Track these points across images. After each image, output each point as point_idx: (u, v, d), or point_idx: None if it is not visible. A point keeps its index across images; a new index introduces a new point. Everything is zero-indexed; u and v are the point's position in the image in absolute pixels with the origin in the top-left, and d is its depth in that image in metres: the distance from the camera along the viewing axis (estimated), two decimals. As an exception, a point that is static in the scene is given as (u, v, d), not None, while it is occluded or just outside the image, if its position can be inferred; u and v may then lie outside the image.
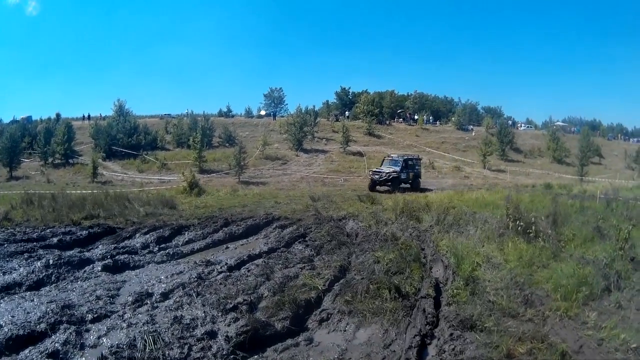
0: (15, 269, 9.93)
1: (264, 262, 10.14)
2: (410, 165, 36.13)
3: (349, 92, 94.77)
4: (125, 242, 13.02)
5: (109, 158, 54.79)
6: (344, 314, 6.91)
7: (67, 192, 25.91)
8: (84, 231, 14.43)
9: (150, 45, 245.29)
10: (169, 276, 9.03)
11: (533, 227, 11.13)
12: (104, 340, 5.83)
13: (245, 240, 13.68)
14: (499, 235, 11.47)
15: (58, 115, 76.00)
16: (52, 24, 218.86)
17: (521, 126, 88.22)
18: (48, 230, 14.75)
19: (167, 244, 12.70)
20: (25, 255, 11.33)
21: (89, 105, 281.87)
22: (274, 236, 13.79)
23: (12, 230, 15.03)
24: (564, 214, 14.59)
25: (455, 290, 7.74)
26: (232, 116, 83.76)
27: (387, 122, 78.31)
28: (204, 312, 6.80)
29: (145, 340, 5.64)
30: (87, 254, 11.47)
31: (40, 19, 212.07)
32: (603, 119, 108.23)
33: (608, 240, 10.81)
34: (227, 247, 12.60)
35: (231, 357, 5.51)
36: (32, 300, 7.82)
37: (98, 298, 7.54)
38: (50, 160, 54.32)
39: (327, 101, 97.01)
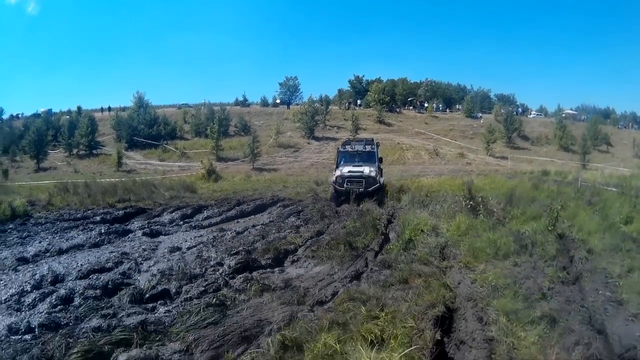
0: (75, 237, 13.28)
1: (262, 228, 13.82)
2: (379, 159, 22.70)
3: (362, 80, 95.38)
4: (156, 219, 16.26)
5: (131, 148, 57.60)
6: (309, 258, 10.22)
7: (97, 180, 29.13)
8: (120, 211, 17.84)
9: (167, 34, 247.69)
10: (192, 238, 12.51)
11: (481, 206, 13.52)
12: (152, 268, 9.36)
13: (253, 216, 17.23)
14: (454, 212, 13.87)
15: (79, 108, 78.92)
16: (69, 16, 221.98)
17: (531, 114, 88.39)
18: (89, 211, 18.06)
19: (190, 220, 16.02)
20: (80, 227, 14.81)
21: (108, 96, 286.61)
22: (276, 213, 17.50)
23: (58, 212, 17.87)
24: (521, 196, 16.60)
25: (392, 247, 10.66)
26: (248, 105, 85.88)
27: (398, 110, 79.85)
28: (216, 254, 10.34)
29: (178, 266, 9.13)
30: (128, 227, 14.88)
31: (57, 11, 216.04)
32: (617, 107, 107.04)
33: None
34: (237, 221, 16.04)
35: (231, 274, 8.75)
36: (97, 252, 11.18)
37: (144, 250, 11.14)
38: (75, 151, 57.38)
39: (341, 89, 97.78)
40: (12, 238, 13.34)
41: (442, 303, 6.62)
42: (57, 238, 13.23)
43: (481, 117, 77.10)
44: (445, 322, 6.20)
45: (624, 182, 22.81)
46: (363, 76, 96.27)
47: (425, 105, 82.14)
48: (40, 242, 12.56)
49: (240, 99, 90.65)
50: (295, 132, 59.93)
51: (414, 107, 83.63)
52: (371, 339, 4.95)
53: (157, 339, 5.86)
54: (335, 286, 8.08)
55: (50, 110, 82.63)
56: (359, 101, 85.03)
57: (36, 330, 6.51)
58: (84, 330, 6.26)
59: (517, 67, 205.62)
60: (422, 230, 11.96)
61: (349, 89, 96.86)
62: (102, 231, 13.77)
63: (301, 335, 5.27)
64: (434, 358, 5.06)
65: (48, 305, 7.49)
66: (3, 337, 6.27)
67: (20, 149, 55.65)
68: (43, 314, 7.09)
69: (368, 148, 22.53)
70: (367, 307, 6.22)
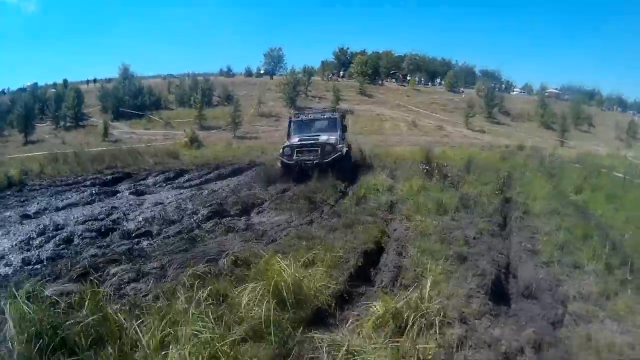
0: (69, 197, 14.57)
1: (235, 187, 15.51)
2: (344, 128, 19.13)
3: (347, 52, 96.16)
4: (141, 182, 17.54)
5: (117, 119, 58.17)
6: (272, 210, 11.53)
7: (85, 150, 29.70)
8: (108, 176, 19.15)
9: (152, 4, 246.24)
10: (173, 196, 13.92)
11: (436, 171, 15.06)
12: (138, 217, 10.84)
13: (230, 178, 18.54)
14: (412, 175, 15.17)
15: (65, 81, 79.57)
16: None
17: (514, 90, 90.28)
18: (79, 178, 19.26)
19: (172, 182, 17.32)
20: (73, 190, 16.11)
21: (93, 68, 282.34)
22: (250, 175, 18.79)
23: (50, 180, 18.92)
24: (481, 165, 18.13)
25: (346, 202, 12.04)
26: (233, 75, 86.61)
27: (380, 82, 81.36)
28: (192, 206, 11.86)
29: (160, 214, 10.77)
30: (116, 189, 16.23)
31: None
32: (605, 89, 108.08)
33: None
34: (215, 183, 17.42)
35: (203, 221, 10.24)
36: (90, 208, 12.70)
37: (131, 205, 12.56)
38: (61, 124, 58.16)
39: (325, 61, 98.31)
40: (11, 202, 14.57)
41: (372, 242, 8.05)
42: (53, 199, 14.50)
43: (463, 91, 78.29)
44: (372, 256, 7.62)
45: (591, 159, 24.18)
46: (348, 48, 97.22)
47: (408, 78, 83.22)
48: (38, 204, 13.73)
49: (225, 69, 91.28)
50: (277, 102, 60.63)
51: (397, 80, 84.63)
52: (304, 262, 6.29)
53: (140, 260, 7.41)
54: (290, 230, 9.37)
55: (36, 84, 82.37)
56: (342, 72, 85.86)
57: (45, 261, 8.17)
58: (84, 257, 7.97)
59: (505, 44, 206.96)
60: (377, 190, 13.38)
61: (333, 60, 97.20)
62: (94, 192, 15.17)
63: (250, 257, 6.71)
64: (352, 277, 6.46)
65: (53, 244, 9.18)
66: (19, 267, 7.92)
67: (8, 124, 56.41)
68: (49, 250, 8.80)
69: (327, 115, 19.49)
70: (309, 243, 7.60)
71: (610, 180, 15.99)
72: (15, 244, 9.29)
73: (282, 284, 5.06)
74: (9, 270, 7.82)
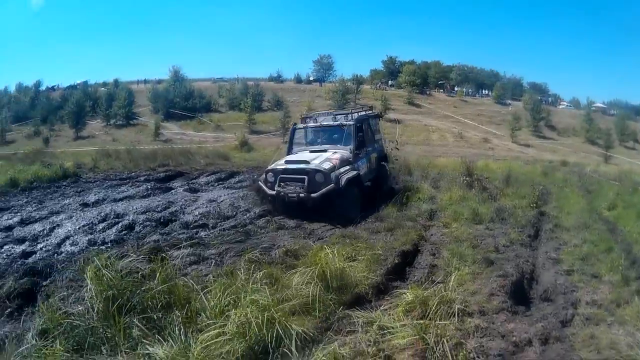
0: (126, 191, 15.67)
1: None
2: (368, 139, 14.99)
3: (395, 61, 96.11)
4: (193, 180, 18.28)
5: (167, 119, 59.72)
6: None
7: (137, 148, 31.02)
8: (161, 174, 19.98)
9: (203, 8, 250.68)
10: (226, 194, 14.62)
11: (476, 182, 15.52)
12: (195, 211, 11.82)
13: None
14: (453, 186, 15.44)
15: (116, 80, 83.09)
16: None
17: (561, 104, 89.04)
18: (133, 174, 20.32)
19: (223, 182, 18.01)
20: (128, 185, 17.15)
21: (143, 69, 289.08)
22: None
23: (104, 174, 20.49)
24: (521, 179, 18.40)
25: (389, 208, 12.55)
26: (282, 81, 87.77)
27: (428, 93, 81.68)
28: (245, 204, 12.93)
29: (215, 210, 11.81)
30: (170, 185, 17.16)
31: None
32: None
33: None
34: None
35: (256, 218, 11.40)
36: (147, 201, 13.71)
37: (186, 200, 13.39)
38: (112, 121, 60.47)
39: (374, 69, 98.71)
40: (69, 192, 15.73)
41: (410, 244, 8.82)
42: (109, 191, 15.52)
43: (510, 104, 78.01)
44: (409, 256, 8.38)
45: (631, 177, 23.80)
46: (397, 57, 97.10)
47: (456, 89, 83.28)
48: (95, 195, 14.77)
49: (275, 75, 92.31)
50: (326, 109, 60.53)
51: (445, 90, 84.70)
52: (348, 257, 7.10)
53: (200, 247, 8.36)
54: (335, 230, 10.21)
55: (86, 82, 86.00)
56: (390, 82, 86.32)
57: (109, 243, 9.32)
58: (147, 241, 9.01)
59: (554, 57, 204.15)
60: (419, 198, 13.85)
61: (382, 69, 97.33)
62: (149, 187, 16.19)
63: (299, 249, 7.62)
64: (388, 272, 7.25)
65: (115, 230, 10.34)
66: (84, 247, 9.06)
67: (59, 119, 59.46)
68: (112, 234, 9.98)
69: (340, 120, 14.34)
70: (352, 242, 8.43)
71: (644, 198, 16.15)
72: (79, 228, 10.45)
73: (329, 270, 5.93)
74: (75, 249, 8.98)
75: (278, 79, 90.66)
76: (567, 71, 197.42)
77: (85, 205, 13.24)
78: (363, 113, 15.72)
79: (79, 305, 5.31)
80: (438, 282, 6.40)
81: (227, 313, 5.00)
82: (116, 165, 23.36)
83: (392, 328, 4.96)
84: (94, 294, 5.26)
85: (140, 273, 5.91)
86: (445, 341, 4.64)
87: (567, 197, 15.07)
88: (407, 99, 72.60)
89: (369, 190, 14.07)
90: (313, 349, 4.54)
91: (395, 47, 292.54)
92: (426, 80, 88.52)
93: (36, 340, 4.78)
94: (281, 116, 48.90)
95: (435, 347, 4.61)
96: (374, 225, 10.53)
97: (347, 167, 12.74)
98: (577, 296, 6.62)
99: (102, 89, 77.45)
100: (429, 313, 5.27)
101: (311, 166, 12.16)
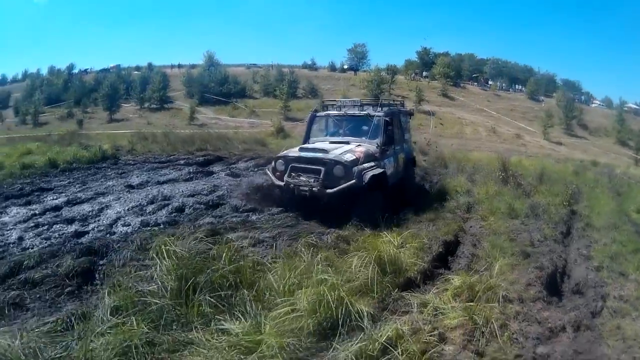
0: (168, 174, 15.88)
1: None
2: (397, 136, 13.45)
3: (430, 52, 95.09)
4: (233, 165, 18.48)
5: (201, 104, 60.56)
6: None
7: (174, 131, 31.12)
8: (201, 158, 20.14)
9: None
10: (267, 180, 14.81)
11: (511, 178, 15.79)
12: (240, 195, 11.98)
13: None
14: (489, 180, 15.86)
15: (150, 64, 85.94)
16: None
17: (594, 103, 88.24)
18: (172, 157, 20.45)
19: (264, 168, 18.13)
20: (169, 168, 17.30)
21: (174, 53, 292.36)
22: None
23: (143, 156, 20.59)
24: (554, 177, 18.72)
25: (430, 199, 13.16)
26: (316, 69, 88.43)
27: (462, 85, 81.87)
28: None
29: None
30: (211, 169, 17.33)
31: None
32: None
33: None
34: None
35: None
36: (192, 184, 13.98)
37: (230, 184, 13.62)
38: (146, 105, 61.73)
39: (409, 60, 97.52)
40: (110, 173, 15.96)
41: (451, 234, 9.38)
42: (152, 174, 15.74)
43: (543, 100, 77.64)
44: (450, 246, 8.89)
45: None
46: (431, 48, 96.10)
47: (490, 83, 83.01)
48: (138, 177, 15.06)
49: (309, 62, 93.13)
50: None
51: (479, 83, 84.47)
52: (395, 244, 7.57)
53: (254, 230, 8.79)
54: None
55: (119, 65, 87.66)
56: (424, 73, 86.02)
57: (162, 225, 9.56)
58: (200, 224, 9.26)
59: (588, 55, 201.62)
60: (457, 191, 14.26)
61: (416, 60, 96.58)
62: (191, 171, 16.34)
63: (350, 235, 8.16)
64: (433, 260, 7.79)
65: (166, 212, 10.61)
66: (137, 228, 9.28)
67: (92, 101, 61.23)
68: (164, 216, 10.24)
69: (367, 111, 12.89)
70: (399, 230, 8.90)
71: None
72: (129, 209, 10.71)
73: (385, 255, 6.46)
74: (128, 230, 9.22)
75: (312, 66, 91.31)
76: (601, 70, 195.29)
77: (129, 187, 13.47)
78: (394, 107, 14.19)
79: (152, 284, 5.72)
80: (481, 271, 6.92)
81: (296, 292, 5.53)
82: (153, 148, 23.60)
83: (444, 309, 5.54)
84: (165, 272, 5.73)
85: (207, 253, 6.36)
86: (493, 322, 5.18)
87: (598, 198, 15.36)
88: (441, 91, 72.82)
89: (392, 194, 11.91)
90: (377, 326, 5.05)
91: (430, 38, 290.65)
92: (460, 72, 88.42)
93: (108, 318, 4.99)
94: (316, 104, 48.46)
95: (483, 328, 5.15)
96: (416, 216, 10.96)
97: (372, 164, 11.07)
98: (605, 291, 7.05)
99: (136, 72, 78.87)
100: (476, 297, 5.82)
101: (330, 156, 10.57)
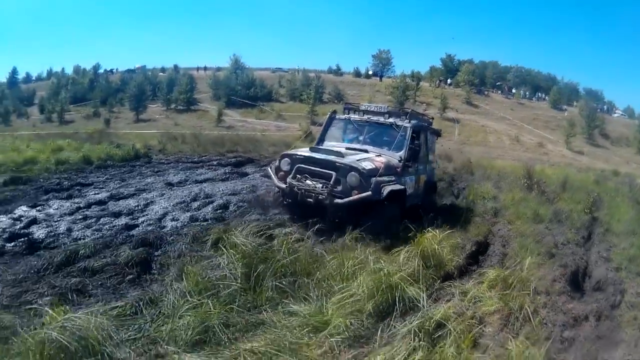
0: (204, 173, 16.35)
1: None
2: (422, 155, 11.99)
3: (454, 59, 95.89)
4: (264, 167, 18.19)
5: (228, 106, 61.18)
6: None
7: (202, 133, 32.02)
8: (232, 159, 20.86)
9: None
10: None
11: (535, 185, 16.53)
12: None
13: None
14: (514, 187, 16.53)
15: (176, 66, 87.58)
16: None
17: (616, 113, 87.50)
18: (203, 157, 21.11)
19: None
20: (204, 168, 17.84)
21: (199, 56, 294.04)
22: None
23: (174, 156, 21.18)
24: (576, 186, 19.32)
25: (458, 204, 13.98)
26: (341, 74, 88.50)
27: (486, 93, 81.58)
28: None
29: None
30: (244, 170, 17.84)
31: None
32: None
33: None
34: None
35: None
36: (229, 184, 14.41)
37: (267, 185, 13.27)
38: (172, 106, 62.37)
39: (433, 66, 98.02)
40: (146, 171, 16.34)
41: (481, 236, 10.16)
42: (188, 173, 16.08)
43: (566, 109, 77.07)
44: (482, 246, 9.68)
45: None
46: (455, 55, 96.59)
47: (514, 91, 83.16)
48: (175, 175, 15.41)
49: (334, 67, 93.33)
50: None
51: (502, 91, 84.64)
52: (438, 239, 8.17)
53: (300, 226, 8.81)
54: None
55: (144, 66, 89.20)
56: (449, 80, 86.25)
57: (209, 220, 10.00)
58: (247, 220, 9.33)
59: (610, 63, 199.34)
60: (484, 197, 14.94)
61: (440, 66, 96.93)
62: (226, 171, 16.80)
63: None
64: (467, 257, 8.58)
65: (211, 208, 10.92)
66: (187, 222, 9.73)
67: (118, 101, 62.50)
68: (210, 212, 10.60)
69: (393, 119, 11.46)
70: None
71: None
72: (174, 205, 11.08)
73: (428, 250, 7.26)
74: (178, 224, 9.59)
75: (337, 71, 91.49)
76: (623, 79, 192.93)
77: (169, 184, 13.87)
78: (423, 121, 13.09)
79: (219, 272, 6.29)
80: (509, 268, 7.62)
81: (351, 280, 6.31)
82: (184, 148, 24.18)
83: (482, 298, 6.31)
84: (233, 260, 6.38)
85: (266, 245, 7.06)
86: (527, 307, 5.94)
87: (618, 206, 15.81)
88: (465, 99, 73.03)
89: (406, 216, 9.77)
90: (429, 308, 5.81)
91: (453, 45, 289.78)
92: (483, 80, 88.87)
93: (180, 303, 5.39)
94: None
95: (517, 313, 5.92)
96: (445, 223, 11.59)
97: (392, 178, 9.99)
98: (624, 288, 7.83)
99: (161, 74, 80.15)
100: (510, 288, 6.55)
101: (346, 161, 9.44)
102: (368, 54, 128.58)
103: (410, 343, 4.85)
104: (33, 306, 5.34)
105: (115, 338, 4.48)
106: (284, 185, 9.78)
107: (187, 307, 5.25)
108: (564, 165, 38.41)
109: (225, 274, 6.20)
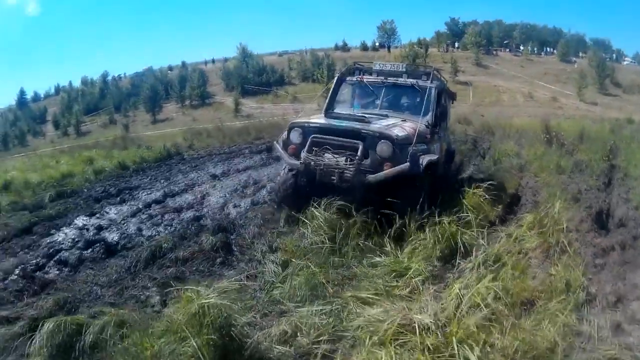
0: (242, 162, 16.88)
1: None
2: (444, 120, 11.12)
3: (458, 22, 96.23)
4: None
5: (242, 95, 61.51)
6: None
7: (224, 124, 32.28)
8: (263, 146, 20.96)
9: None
10: None
11: (554, 139, 17.54)
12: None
13: None
14: (534, 143, 17.60)
15: (184, 62, 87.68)
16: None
17: (625, 60, 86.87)
18: (233, 148, 21.60)
19: None
20: (239, 157, 18.45)
21: (202, 49, 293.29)
22: None
23: (205, 150, 21.37)
24: (593, 136, 20.06)
25: (486, 162, 15.19)
26: (348, 50, 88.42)
27: (494, 53, 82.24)
28: None
29: None
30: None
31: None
32: None
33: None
34: None
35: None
36: (271, 169, 14.71)
37: None
38: (187, 102, 63.39)
39: (438, 31, 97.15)
40: (184, 168, 16.52)
41: (513, 188, 11.41)
42: (226, 164, 16.48)
43: (575, 61, 77.11)
44: (514, 197, 10.90)
45: None
46: (459, 18, 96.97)
47: (522, 48, 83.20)
48: (214, 168, 15.71)
49: (340, 44, 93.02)
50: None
51: (510, 49, 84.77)
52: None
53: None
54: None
55: (151, 67, 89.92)
56: (456, 43, 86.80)
57: (268, 202, 10.31)
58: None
59: (616, 11, 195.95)
60: (508, 154, 16.00)
61: (445, 31, 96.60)
62: (263, 157, 17.33)
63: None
64: (505, 207, 9.78)
65: (266, 192, 11.30)
66: (248, 207, 10.27)
67: (131, 105, 63.50)
68: (266, 196, 10.92)
69: (412, 81, 9.81)
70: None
71: None
72: (230, 194, 11.60)
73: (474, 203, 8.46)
74: (241, 210, 10.12)
75: (344, 47, 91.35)
76: (630, 25, 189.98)
77: (214, 176, 14.12)
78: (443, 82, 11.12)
79: (305, 240, 7.08)
80: (545, 210, 8.63)
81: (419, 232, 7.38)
82: (211, 142, 24.60)
83: (524, 237, 7.44)
84: (317, 228, 7.24)
85: (338, 215, 7.67)
86: (562, 240, 7.08)
87: (634, 152, 16.39)
88: (474, 61, 73.69)
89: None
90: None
91: (456, 7, 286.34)
92: (490, 40, 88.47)
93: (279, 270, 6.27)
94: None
95: (555, 247, 7.05)
96: (478, 176, 12.77)
97: (424, 146, 8.49)
98: (644, 224, 8.85)
99: (170, 72, 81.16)
100: (546, 227, 7.63)
101: (373, 128, 7.98)
102: (373, 26, 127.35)
103: (479, 272, 5.99)
104: (149, 295, 6.10)
105: (238, 305, 4.83)
106: (297, 162, 8.11)
107: (293, 270, 6.11)
108: (579, 117, 39.19)
109: (314, 240, 6.96)
